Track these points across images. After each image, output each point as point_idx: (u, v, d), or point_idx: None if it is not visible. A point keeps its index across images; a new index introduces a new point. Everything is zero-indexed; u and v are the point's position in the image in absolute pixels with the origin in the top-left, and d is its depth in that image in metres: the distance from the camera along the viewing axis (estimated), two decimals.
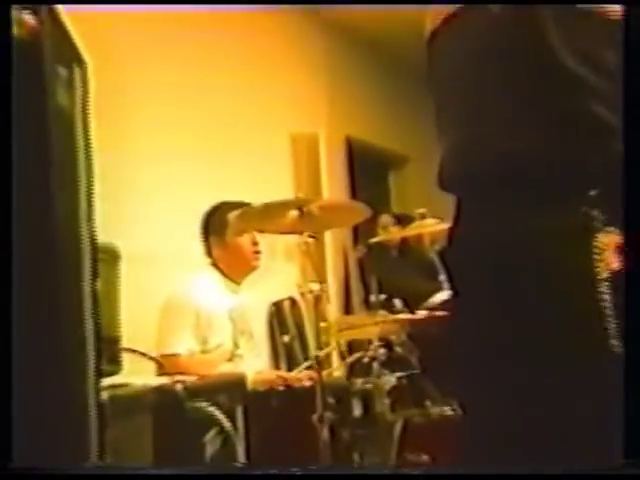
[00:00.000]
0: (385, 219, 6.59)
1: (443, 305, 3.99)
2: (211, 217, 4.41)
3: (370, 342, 3.73)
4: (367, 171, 8.12)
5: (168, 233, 4.79)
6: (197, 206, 4.31)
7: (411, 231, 4.61)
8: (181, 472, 1.57)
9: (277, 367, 5.40)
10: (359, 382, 3.77)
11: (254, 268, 4.36)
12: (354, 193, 7.65)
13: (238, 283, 4.36)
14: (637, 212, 1.22)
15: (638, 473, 1.16)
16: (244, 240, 4.31)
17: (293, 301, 5.91)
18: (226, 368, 4.07)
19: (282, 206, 3.58)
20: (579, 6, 1.31)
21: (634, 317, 1.18)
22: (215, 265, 4.37)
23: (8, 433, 1.28)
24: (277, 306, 5.88)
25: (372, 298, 4.02)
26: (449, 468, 1.64)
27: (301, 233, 3.49)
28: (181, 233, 4.62)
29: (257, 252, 4.34)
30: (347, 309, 7.15)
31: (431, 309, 4.02)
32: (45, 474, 1.33)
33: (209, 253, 4.39)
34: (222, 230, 4.30)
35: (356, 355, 3.97)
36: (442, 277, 4.04)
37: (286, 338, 5.67)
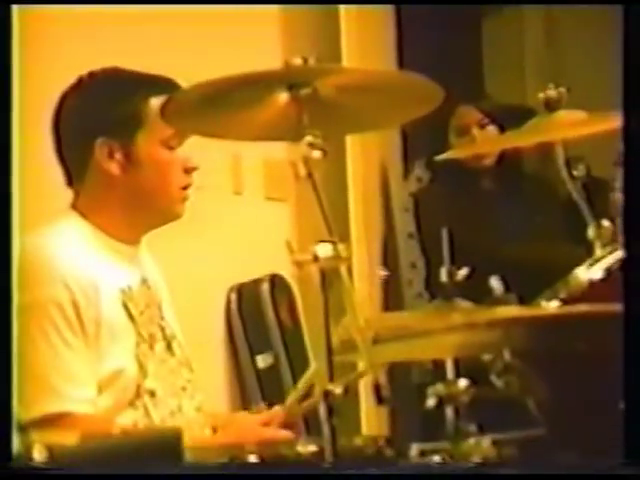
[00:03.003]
0: (467, 114, 3.76)
1: (595, 291, 2.03)
2: (95, 101, 2.20)
3: (438, 366, 1.95)
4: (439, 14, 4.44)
5: None
6: None
7: (526, 138, 2.59)
8: (181, 472, 1.54)
9: (245, 407, 3.16)
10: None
11: (176, 216, 2.24)
12: (404, 59, 4.27)
13: (134, 243, 2.24)
14: (637, 213, 1.25)
15: (638, 473, 1.21)
16: (166, 158, 2.18)
17: (277, 281, 3.42)
18: (127, 421, 2.09)
19: (255, 83, 1.76)
20: None
21: (634, 317, 1.21)
22: (87, 217, 2.20)
23: (8, 433, 1.29)
24: (242, 294, 3.38)
25: (443, 274, 1.96)
26: (450, 468, 1.64)
27: (297, 140, 1.74)
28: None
29: (186, 187, 2.21)
30: (390, 297, 3.97)
31: (569, 300, 1.96)
32: (45, 474, 1.33)
33: (73, 181, 2.23)
34: (122, 133, 2.16)
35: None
36: (591, 233, 2.15)
37: (264, 360, 3.30)
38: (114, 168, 2.13)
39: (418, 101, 1.92)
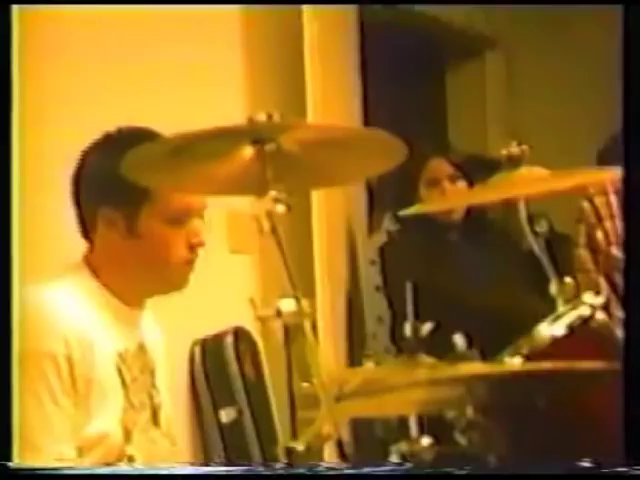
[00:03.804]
0: (438, 167, 3.73)
1: (558, 347, 2.04)
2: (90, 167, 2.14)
3: (402, 421, 2.03)
4: (403, 67, 4.62)
5: None
6: None
7: (491, 194, 2.62)
8: (181, 472, 1.54)
9: (207, 461, 3.21)
10: None
11: (178, 287, 2.17)
12: (368, 112, 4.13)
13: (138, 306, 2.20)
14: (637, 215, 1.24)
15: (638, 473, 1.21)
16: (168, 234, 2.11)
17: (241, 335, 3.36)
18: None
19: (219, 138, 1.77)
20: None
21: (634, 317, 1.20)
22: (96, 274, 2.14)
23: (8, 433, 1.30)
24: (206, 348, 3.31)
25: (407, 329, 2.07)
26: (452, 468, 1.63)
27: (261, 194, 1.77)
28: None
29: (194, 245, 2.12)
30: (353, 352, 3.91)
31: (531, 356, 1.96)
32: (45, 474, 1.35)
33: (89, 234, 2.16)
34: (126, 204, 2.08)
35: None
36: (553, 289, 2.20)
37: (227, 414, 3.21)
38: (116, 236, 2.10)
39: (382, 156, 1.93)
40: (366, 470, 1.59)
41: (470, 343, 2.06)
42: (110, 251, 2.12)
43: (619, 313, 2.02)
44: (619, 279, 2.73)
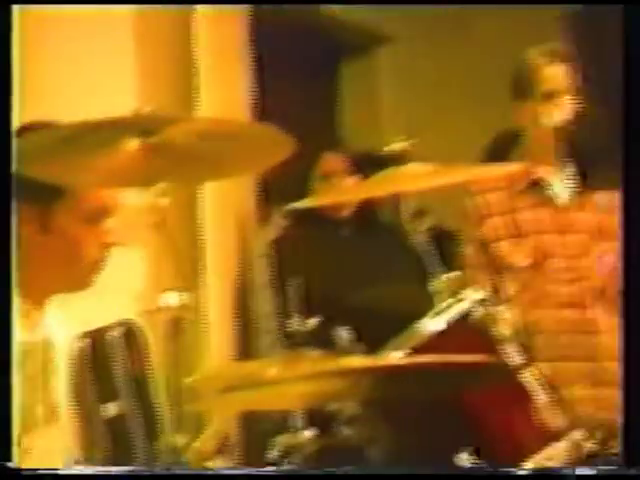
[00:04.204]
0: (332, 162, 3.74)
1: (441, 340, 2.03)
2: None
3: (288, 416, 2.04)
4: (298, 63, 4.61)
5: None
6: None
7: (378, 188, 2.61)
8: (180, 472, 1.55)
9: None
10: None
11: (85, 287, 2.16)
12: (262, 107, 3.99)
13: (41, 303, 2.15)
14: (637, 213, 1.25)
15: (638, 474, 1.23)
16: (80, 233, 2.08)
17: (128, 328, 3.16)
18: None
19: (105, 130, 1.76)
20: None
21: (633, 317, 1.22)
22: None
23: (8, 433, 1.30)
24: (92, 341, 3.12)
25: (293, 323, 2.13)
26: (451, 469, 1.66)
27: (148, 187, 1.79)
28: None
29: (108, 245, 2.10)
30: (243, 346, 3.85)
31: (415, 350, 1.97)
32: (45, 474, 1.35)
33: None
34: (41, 200, 2.05)
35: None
36: (437, 284, 2.18)
37: (111, 408, 3.00)
38: (28, 231, 2.04)
39: (271, 150, 1.93)
40: (248, 471, 1.61)
41: (356, 338, 2.13)
42: (23, 247, 2.03)
43: (499, 309, 2.07)
44: (502, 275, 2.79)
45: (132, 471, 1.60)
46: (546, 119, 2.73)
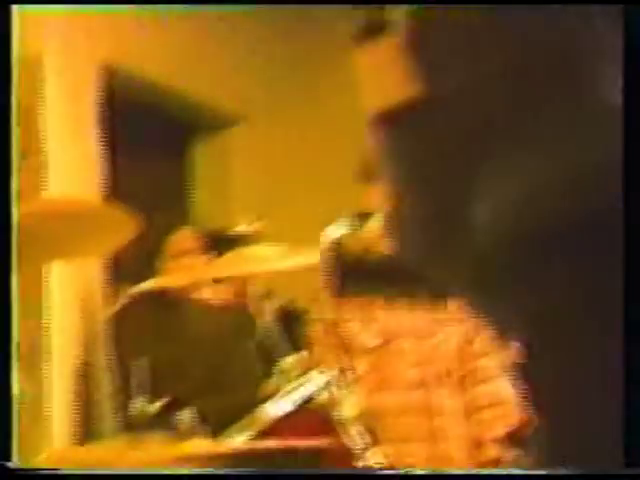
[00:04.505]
0: (181, 241, 3.71)
1: (286, 423, 1.98)
2: None
3: None
4: (152, 141, 4.63)
5: None
6: None
7: (228, 269, 2.59)
8: (180, 473, 1.51)
9: None
10: None
11: None
12: (113, 184, 3.95)
13: None
14: (637, 214, 1.24)
15: (638, 473, 1.22)
16: None
17: None
18: None
19: None
20: None
21: (633, 317, 1.21)
22: None
23: (8, 433, 1.26)
24: None
25: (138, 404, 2.06)
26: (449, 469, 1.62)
27: None
28: None
29: None
30: (86, 430, 3.68)
31: (258, 434, 1.93)
32: (45, 474, 1.31)
33: None
34: None
35: None
36: (282, 365, 2.15)
37: None
38: None
39: (118, 229, 1.94)
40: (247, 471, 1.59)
41: (201, 420, 2.11)
42: None
43: (344, 391, 2.07)
44: (351, 356, 2.80)
45: (132, 471, 1.55)
46: None
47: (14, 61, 1.56)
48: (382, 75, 1.36)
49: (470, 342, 2.58)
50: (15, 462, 1.39)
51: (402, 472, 1.84)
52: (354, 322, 2.87)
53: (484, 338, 2.43)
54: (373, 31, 1.35)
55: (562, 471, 1.14)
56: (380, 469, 2.01)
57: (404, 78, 1.33)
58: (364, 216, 3.16)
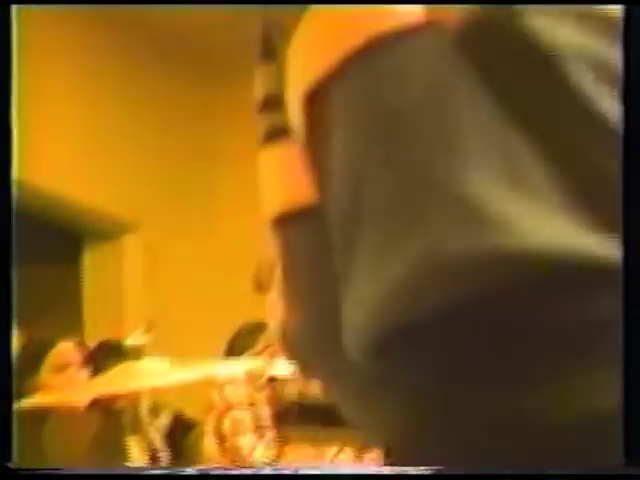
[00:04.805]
0: (66, 352, 3.47)
1: None
2: None
3: None
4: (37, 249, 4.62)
5: None
6: None
7: (114, 384, 2.49)
8: (181, 472, 1.41)
9: None
10: None
11: None
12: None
13: None
14: (637, 215, 1.23)
15: (638, 473, 1.19)
16: None
17: None
18: None
19: None
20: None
21: (633, 316, 1.19)
22: None
23: (8, 433, 1.15)
24: None
25: None
26: (448, 469, 1.50)
27: None
28: None
29: None
30: None
31: None
32: (45, 474, 1.20)
33: None
34: None
35: None
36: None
37: None
38: None
39: None
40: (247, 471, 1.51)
41: None
42: None
43: None
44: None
45: (132, 471, 1.50)
46: None
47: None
48: (282, 178, 1.41)
49: None
50: (15, 462, 1.37)
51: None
52: (244, 435, 2.85)
53: None
54: (276, 135, 1.39)
55: (562, 471, 1.17)
56: None
57: (303, 183, 1.38)
58: (260, 326, 3.19)
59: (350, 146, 1.17)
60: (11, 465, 1.33)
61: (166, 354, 2.56)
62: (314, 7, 1.36)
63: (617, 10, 1.26)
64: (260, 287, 2.91)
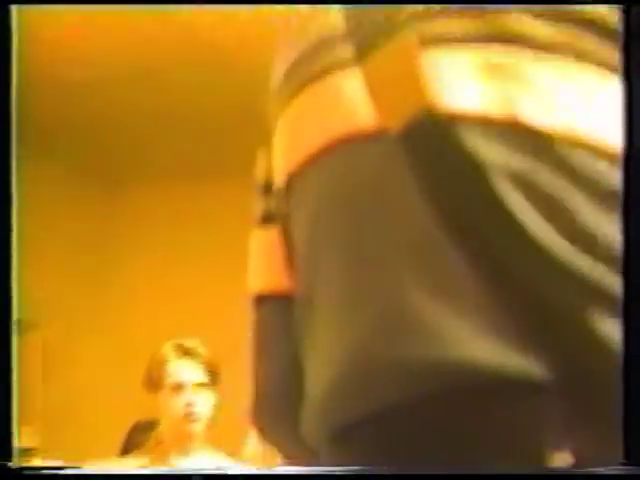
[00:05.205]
0: None
1: None
2: None
3: None
4: None
5: None
6: None
7: None
8: (181, 472, 1.44)
9: None
10: None
11: None
12: None
13: None
14: (637, 217, 1.24)
15: (638, 473, 1.21)
16: None
17: None
18: None
19: None
20: None
21: (633, 316, 1.20)
22: None
23: (8, 433, 1.32)
24: None
25: None
26: (448, 469, 1.51)
27: None
28: None
29: None
30: None
31: None
32: (45, 474, 1.35)
33: None
34: None
35: None
36: None
37: None
38: None
39: None
40: (247, 471, 1.56)
41: None
42: None
43: None
44: None
45: (132, 471, 1.54)
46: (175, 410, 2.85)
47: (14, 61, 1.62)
48: (266, 260, 1.39)
49: None
50: (15, 462, 1.38)
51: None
52: None
53: None
54: (269, 218, 1.39)
55: (562, 471, 1.17)
56: None
57: (282, 267, 1.36)
58: (152, 424, 3.23)
59: (309, 238, 1.26)
60: (11, 465, 1.34)
61: (60, 456, 2.54)
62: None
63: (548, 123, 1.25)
64: (151, 385, 2.95)
